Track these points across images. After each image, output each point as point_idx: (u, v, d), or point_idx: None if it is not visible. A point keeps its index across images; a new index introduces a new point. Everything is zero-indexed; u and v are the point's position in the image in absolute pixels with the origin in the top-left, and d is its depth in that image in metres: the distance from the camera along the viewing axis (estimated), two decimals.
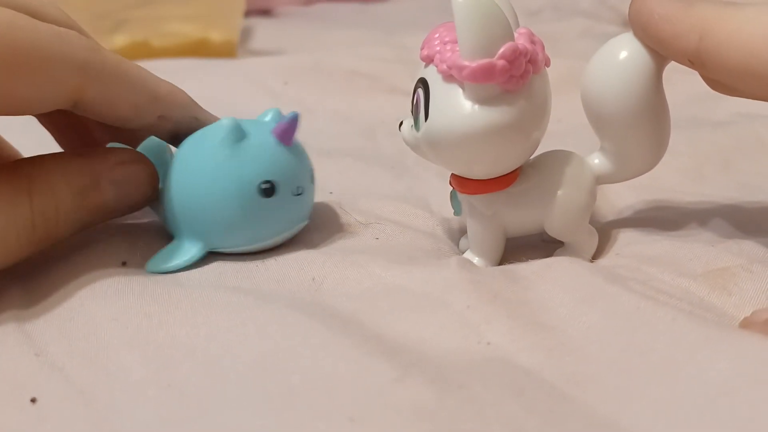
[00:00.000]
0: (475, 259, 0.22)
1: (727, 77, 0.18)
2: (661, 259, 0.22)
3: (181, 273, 0.22)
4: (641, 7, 0.19)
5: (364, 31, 0.59)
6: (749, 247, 0.22)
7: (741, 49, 0.17)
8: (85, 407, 0.16)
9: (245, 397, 0.16)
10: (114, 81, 0.20)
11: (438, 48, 0.19)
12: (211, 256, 0.22)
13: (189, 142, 0.22)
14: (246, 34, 0.59)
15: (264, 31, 0.61)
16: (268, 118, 0.23)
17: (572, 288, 0.20)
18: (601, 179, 0.22)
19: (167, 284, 0.21)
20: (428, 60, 0.20)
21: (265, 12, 0.71)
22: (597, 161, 0.22)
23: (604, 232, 0.24)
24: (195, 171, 0.21)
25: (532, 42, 0.19)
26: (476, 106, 0.19)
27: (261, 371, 0.17)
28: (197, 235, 0.22)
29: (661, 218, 0.25)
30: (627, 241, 0.23)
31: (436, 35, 0.20)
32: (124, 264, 0.22)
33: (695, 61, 0.19)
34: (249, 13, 0.63)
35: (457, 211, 0.23)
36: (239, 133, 0.21)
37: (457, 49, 0.19)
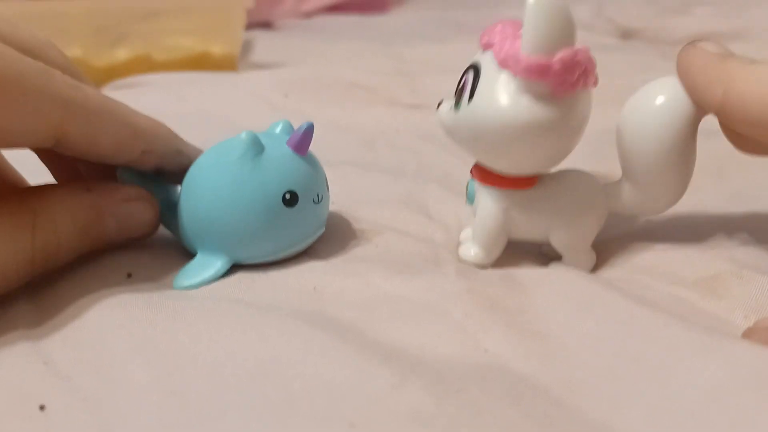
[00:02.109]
0: (473, 250, 0.23)
1: (747, 129, 0.19)
2: (654, 268, 0.22)
3: None
4: (685, 56, 0.20)
5: (364, 44, 0.59)
6: (740, 254, 0.22)
7: (760, 102, 0.18)
8: (91, 415, 0.17)
9: (247, 403, 0.17)
10: (96, 118, 0.20)
11: (499, 37, 0.20)
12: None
13: (207, 159, 0.23)
14: (247, 47, 0.59)
15: (264, 43, 0.61)
16: (278, 130, 0.24)
17: (569, 296, 0.20)
18: (613, 209, 0.23)
19: (171, 295, 0.21)
20: (487, 46, 0.20)
21: (266, 25, 0.71)
22: (616, 192, 0.22)
23: (598, 243, 0.24)
24: (218, 186, 0.22)
25: (590, 59, 0.20)
26: (521, 99, 0.19)
27: (262, 378, 0.17)
28: (221, 248, 0.22)
29: (654, 227, 0.25)
30: (620, 250, 0.24)
31: (499, 26, 0.20)
32: (129, 276, 0.22)
33: (719, 112, 0.19)
34: (250, 26, 0.64)
35: (470, 200, 0.23)
36: (259, 147, 0.22)
37: (519, 42, 0.19)
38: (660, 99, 0.21)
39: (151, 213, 0.23)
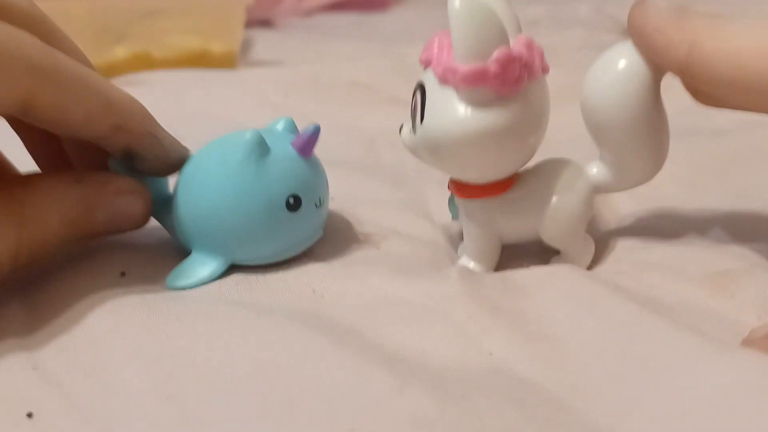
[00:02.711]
0: (471, 264, 0.22)
1: (714, 88, 0.19)
2: (662, 265, 0.22)
3: None
4: (637, 17, 0.20)
5: (364, 43, 0.59)
6: (748, 252, 0.22)
7: (728, 61, 0.18)
8: (83, 422, 0.16)
9: (245, 408, 0.16)
10: (66, 86, 0.19)
11: (435, 52, 0.20)
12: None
13: (208, 154, 0.22)
14: (246, 45, 0.59)
15: (264, 42, 0.61)
16: (280, 127, 0.23)
17: (572, 298, 0.20)
18: (599, 189, 0.22)
19: (166, 296, 0.21)
20: (426, 63, 0.20)
21: (266, 23, 0.71)
22: (595, 171, 0.22)
23: (605, 240, 0.24)
24: (220, 185, 0.21)
25: (529, 48, 0.19)
26: (469, 110, 0.19)
27: (261, 382, 0.17)
28: (219, 249, 0.22)
29: (661, 226, 0.25)
30: (627, 248, 0.23)
31: (436, 40, 0.20)
32: (123, 275, 0.22)
33: (684, 71, 0.19)
34: (249, 24, 0.63)
35: (455, 215, 0.23)
36: (265, 148, 0.21)
37: (453, 52, 0.19)
38: (618, 65, 0.20)
39: (142, 206, 0.22)
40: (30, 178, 0.21)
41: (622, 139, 0.21)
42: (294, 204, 0.21)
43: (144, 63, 0.48)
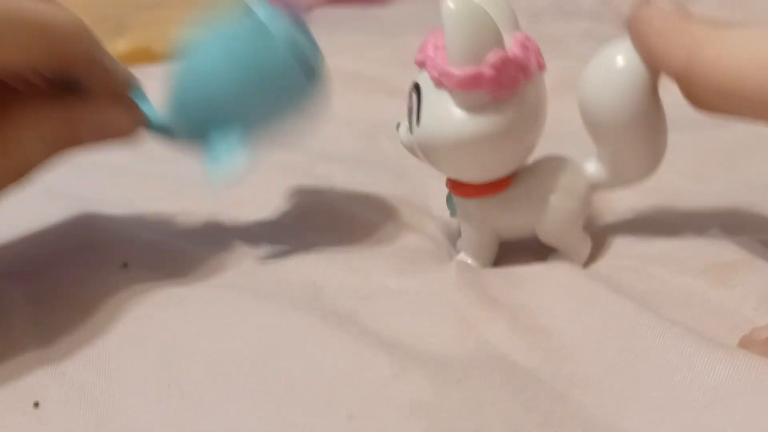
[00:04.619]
0: (469, 260, 0.22)
1: (712, 97, 0.18)
2: (663, 258, 0.22)
3: (182, 275, 0.22)
4: (639, 18, 0.19)
5: (365, 36, 0.59)
6: (750, 243, 0.22)
7: (727, 70, 0.17)
8: (86, 410, 0.17)
9: (245, 393, 0.16)
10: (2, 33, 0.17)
11: (431, 53, 0.19)
12: (210, 256, 0.22)
13: (211, 34, 0.21)
14: None
15: None
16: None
17: (571, 292, 0.20)
18: (596, 186, 0.22)
19: (168, 286, 0.21)
20: (421, 65, 0.20)
21: None
22: (592, 168, 0.22)
23: (606, 233, 0.24)
24: (237, 56, 0.21)
25: (525, 48, 0.19)
26: (465, 114, 0.19)
27: (261, 368, 0.17)
28: (239, 122, 0.21)
29: (663, 218, 0.25)
30: (628, 240, 0.23)
31: (431, 40, 0.20)
32: (125, 266, 0.22)
33: (682, 78, 0.19)
34: None
35: (453, 213, 0.23)
36: (271, 11, 0.21)
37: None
38: (616, 62, 0.20)
39: (128, 118, 0.21)
40: (10, 102, 0.20)
41: (619, 137, 0.21)
42: (305, 64, 0.21)
43: (144, 56, 0.48)
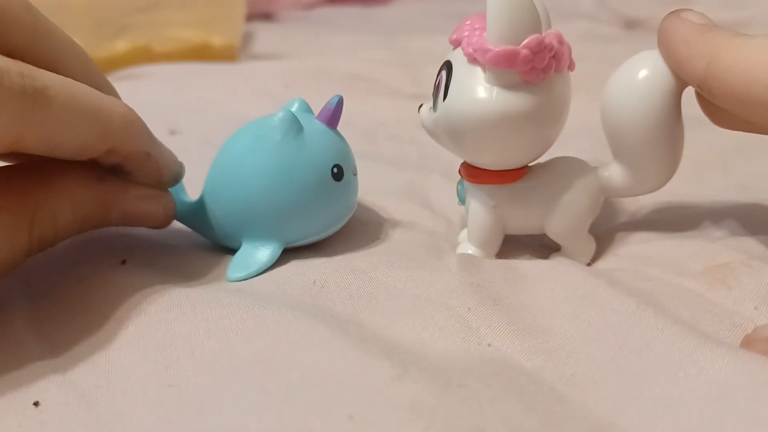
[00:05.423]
0: (471, 249, 0.22)
1: (730, 104, 0.19)
2: (661, 259, 0.22)
3: (181, 274, 0.22)
4: (668, 27, 0.20)
5: (365, 35, 0.59)
6: (748, 244, 0.22)
7: (745, 77, 0.18)
8: (86, 410, 0.17)
9: (244, 395, 0.16)
10: (59, 123, 0.18)
11: (467, 33, 0.20)
12: (215, 258, 0.22)
13: (240, 145, 0.22)
14: (247, 38, 0.59)
15: (265, 35, 0.61)
16: (294, 108, 0.24)
17: (572, 290, 0.20)
18: (608, 192, 0.22)
19: (167, 284, 0.21)
20: (456, 43, 0.21)
21: (267, 16, 0.71)
22: (607, 174, 0.22)
23: (604, 234, 0.24)
24: (264, 170, 0.21)
25: (560, 42, 0.20)
26: (494, 91, 0.19)
27: (260, 369, 0.17)
28: (271, 232, 0.22)
29: (660, 219, 0.25)
30: (626, 242, 0.23)
31: (468, 22, 0.20)
32: (124, 263, 0.22)
33: (703, 86, 0.19)
34: (250, 17, 0.63)
35: (461, 200, 0.23)
36: (299, 125, 0.21)
37: (485, 34, 0.19)
38: (640, 74, 0.20)
39: (162, 213, 0.22)
40: (48, 170, 0.20)
41: (639, 147, 0.21)
42: (338, 173, 0.22)
43: (144, 56, 0.48)
